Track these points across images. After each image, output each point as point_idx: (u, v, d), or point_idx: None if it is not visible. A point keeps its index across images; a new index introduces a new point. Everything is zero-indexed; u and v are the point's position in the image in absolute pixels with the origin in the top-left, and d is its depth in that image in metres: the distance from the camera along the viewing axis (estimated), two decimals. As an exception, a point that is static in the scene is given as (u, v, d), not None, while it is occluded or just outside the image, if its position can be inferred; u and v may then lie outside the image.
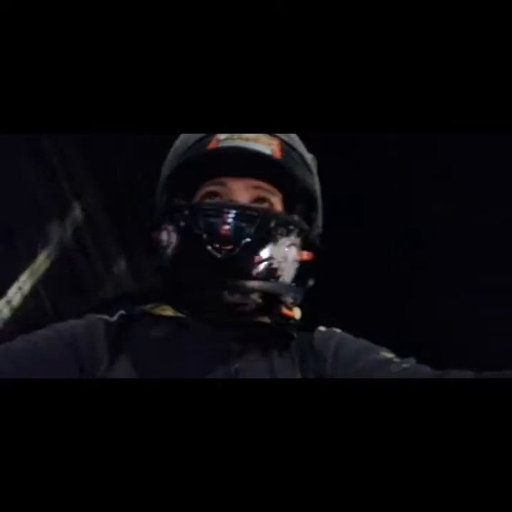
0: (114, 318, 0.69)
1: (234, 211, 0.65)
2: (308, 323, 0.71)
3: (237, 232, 0.64)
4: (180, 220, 0.68)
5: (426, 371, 0.59)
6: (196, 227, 0.65)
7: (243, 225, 0.64)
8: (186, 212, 0.67)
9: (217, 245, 0.63)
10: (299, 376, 0.62)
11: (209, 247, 0.63)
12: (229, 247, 0.63)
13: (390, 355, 0.63)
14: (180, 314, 0.67)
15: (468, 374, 0.52)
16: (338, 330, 0.69)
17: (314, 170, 0.76)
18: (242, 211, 0.65)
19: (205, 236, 0.64)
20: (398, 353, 0.63)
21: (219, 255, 0.63)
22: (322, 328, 0.70)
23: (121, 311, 0.70)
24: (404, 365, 0.59)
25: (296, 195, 0.73)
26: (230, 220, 0.64)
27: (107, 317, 0.69)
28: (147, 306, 0.70)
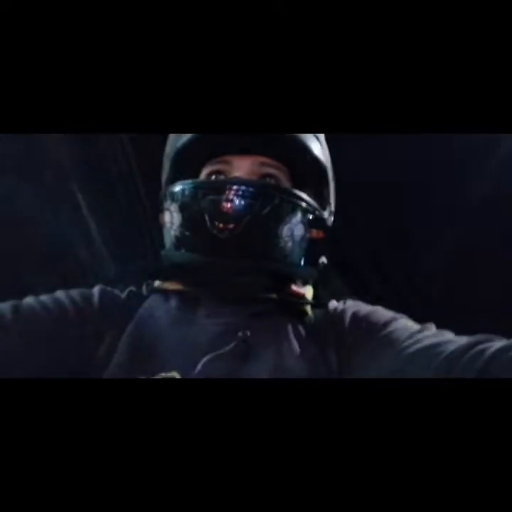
0: (124, 294, 0.68)
1: (235, 187, 0.62)
2: (320, 301, 0.69)
3: (240, 210, 0.61)
4: (181, 199, 0.66)
5: (450, 338, 0.53)
6: (197, 206, 0.63)
7: (246, 201, 0.62)
8: (187, 191, 0.65)
9: (220, 224, 0.61)
10: (313, 351, 0.60)
11: (211, 227, 0.62)
12: (231, 226, 0.61)
13: (410, 322, 0.59)
14: (186, 288, 0.66)
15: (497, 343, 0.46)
16: (351, 301, 0.67)
17: (324, 144, 0.73)
18: (245, 187, 0.62)
19: (206, 215, 0.62)
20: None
21: (222, 235, 0.61)
22: (335, 302, 0.68)
23: (131, 287, 0.69)
24: (427, 333, 0.55)
25: (305, 170, 0.70)
26: (231, 197, 0.62)
27: (117, 292, 0.68)
28: (156, 282, 0.69)
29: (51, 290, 0.64)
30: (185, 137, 0.70)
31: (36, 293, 0.63)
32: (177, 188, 0.67)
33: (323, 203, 0.72)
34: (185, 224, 0.65)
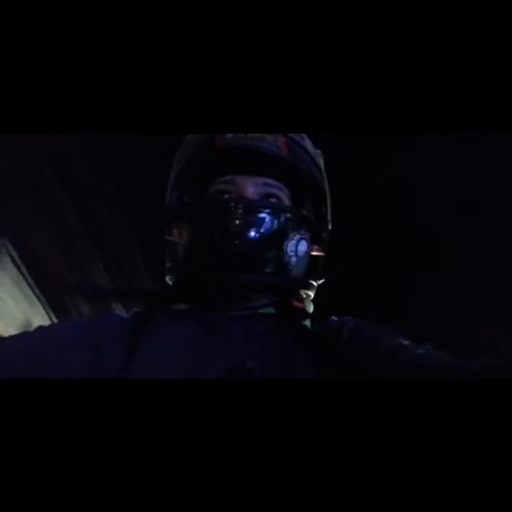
0: (129, 315, 0.70)
1: (243, 206, 0.65)
2: (319, 316, 0.71)
3: (247, 227, 0.65)
4: (190, 217, 0.69)
5: (442, 358, 0.56)
6: (206, 224, 0.66)
7: (252, 219, 0.65)
8: (196, 209, 0.69)
9: (228, 241, 0.64)
10: (313, 366, 0.61)
11: (219, 243, 0.64)
12: (239, 242, 0.64)
13: (406, 341, 0.61)
14: (192, 308, 0.68)
15: (483, 363, 0.50)
16: (350, 318, 0.69)
17: (321, 165, 0.77)
18: (251, 206, 0.66)
19: (215, 232, 0.65)
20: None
21: (229, 251, 0.64)
22: (334, 318, 0.69)
23: (135, 309, 0.71)
24: (420, 352, 0.58)
25: (304, 191, 0.74)
26: (239, 216, 0.65)
27: (122, 314, 0.70)
28: (160, 303, 0.71)
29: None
30: (191, 157, 0.72)
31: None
32: (183, 205, 0.71)
33: (322, 220, 0.76)
34: (193, 240, 0.68)
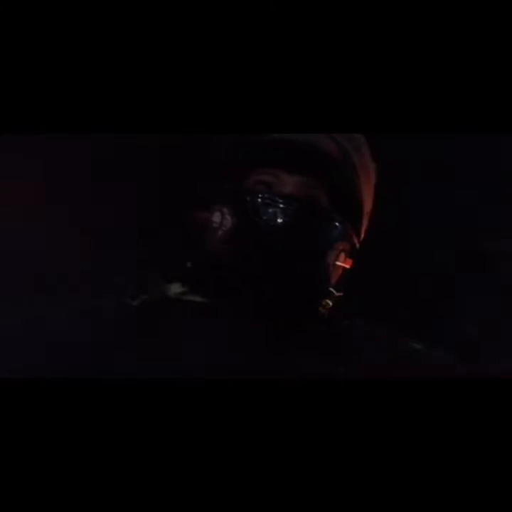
0: (135, 302, 0.68)
1: (289, 205, 0.65)
2: (335, 318, 0.72)
3: (284, 225, 0.64)
4: (238, 204, 0.68)
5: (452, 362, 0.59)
6: (256, 215, 0.66)
7: (291, 218, 0.65)
8: (249, 198, 0.67)
9: (273, 237, 0.64)
10: (326, 369, 0.61)
11: (264, 237, 0.64)
12: (273, 240, 0.64)
13: (418, 345, 0.63)
14: (205, 300, 0.67)
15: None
16: (362, 321, 0.70)
17: (372, 179, 0.76)
18: (293, 204, 0.65)
19: (263, 225, 0.65)
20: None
21: (271, 247, 0.64)
22: (346, 322, 0.71)
23: (144, 296, 0.69)
24: (434, 354, 0.60)
25: (345, 200, 0.73)
26: (280, 212, 0.64)
27: (129, 300, 0.68)
28: (171, 291, 0.70)
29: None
30: (241, 143, 0.72)
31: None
32: (233, 190, 0.70)
33: (356, 233, 0.75)
34: (238, 228, 0.67)
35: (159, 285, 0.70)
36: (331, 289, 0.72)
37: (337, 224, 0.70)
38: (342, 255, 0.71)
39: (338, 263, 0.71)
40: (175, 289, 0.70)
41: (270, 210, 0.64)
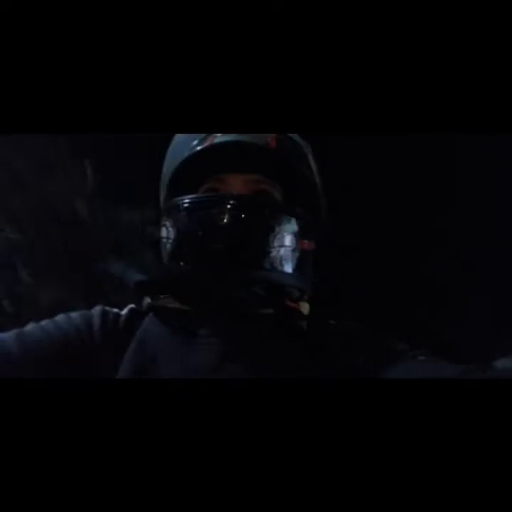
0: (124, 311, 0.70)
1: (227, 201, 0.64)
2: (317, 318, 0.70)
3: (232, 223, 0.63)
4: (177, 214, 0.68)
5: (439, 365, 0.57)
6: (191, 221, 0.66)
7: (237, 214, 0.64)
8: (183, 206, 0.67)
9: (215, 238, 0.63)
10: (307, 369, 0.61)
11: (204, 240, 0.64)
12: (223, 238, 0.63)
13: (404, 346, 0.62)
14: (185, 307, 0.67)
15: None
16: (349, 322, 0.69)
17: (311, 157, 0.75)
18: (236, 201, 0.65)
19: (202, 229, 0.64)
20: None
21: (214, 247, 0.63)
22: (332, 322, 0.69)
23: (131, 305, 0.71)
24: (421, 358, 0.59)
25: (295, 185, 0.72)
26: (223, 211, 0.64)
27: (117, 311, 0.69)
28: (156, 299, 0.70)
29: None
30: (181, 157, 0.71)
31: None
32: (172, 204, 0.69)
33: (315, 215, 0.74)
34: (179, 238, 0.67)
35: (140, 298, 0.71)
36: (302, 278, 0.70)
37: (290, 210, 0.69)
38: (300, 239, 0.69)
39: (302, 248, 0.69)
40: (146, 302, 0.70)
41: (210, 212, 0.64)
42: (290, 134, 0.72)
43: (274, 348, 0.63)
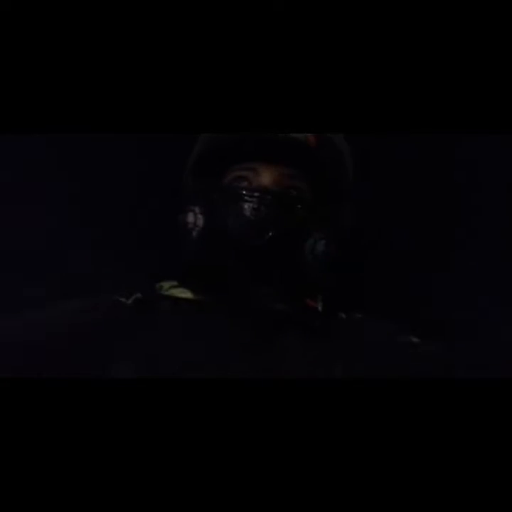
0: (130, 300, 0.67)
1: (263, 196, 0.63)
2: (329, 312, 0.70)
3: (265, 220, 0.62)
4: (208, 202, 0.66)
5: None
6: (224, 211, 0.64)
7: (271, 212, 0.63)
8: (215, 194, 0.66)
9: (245, 232, 0.62)
10: (320, 365, 0.60)
11: (234, 234, 0.63)
12: (254, 235, 0.62)
13: (415, 339, 0.62)
14: (199, 298, 0.66)
15: None
16: (359, 315, 0.69)
17: (349, 165, 0.74)
18: (271, 198, 0.63)
19: (233, 221, 0.63)
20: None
21: (244, 243, 0.62)
22: (343, 315, 0.69)
23: (138, 294, 0.68)
24: (431, 349, 0.60)
25: (328, 187, 0.71)
26: (257, 206, 0.62)
27: (123, 299, 0.67)
28: (165, 288, 0.69)
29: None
30: (213, 141, 0.70)
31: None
32: (200, 188, 0.68)
33: (344, 220, 0.73)
34: (209, 227, 0.66)
35: (149, 284, 0.70)
36: (325, 281, 0.70)
37: (321, 213, 0.68)
38: (330, 245, 0.67)
39: (329, 252, 0.68)
40: (165, 287, 0.69)
41: (243, 205, 0.63)
42: (332, 136, 0.70)
43: (287, 345, 0.62)
